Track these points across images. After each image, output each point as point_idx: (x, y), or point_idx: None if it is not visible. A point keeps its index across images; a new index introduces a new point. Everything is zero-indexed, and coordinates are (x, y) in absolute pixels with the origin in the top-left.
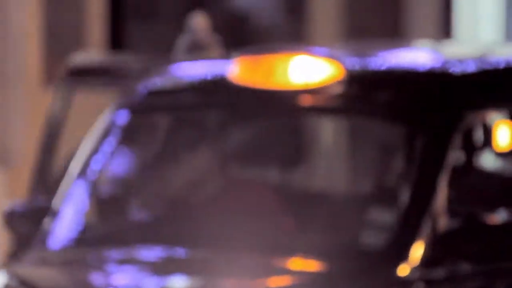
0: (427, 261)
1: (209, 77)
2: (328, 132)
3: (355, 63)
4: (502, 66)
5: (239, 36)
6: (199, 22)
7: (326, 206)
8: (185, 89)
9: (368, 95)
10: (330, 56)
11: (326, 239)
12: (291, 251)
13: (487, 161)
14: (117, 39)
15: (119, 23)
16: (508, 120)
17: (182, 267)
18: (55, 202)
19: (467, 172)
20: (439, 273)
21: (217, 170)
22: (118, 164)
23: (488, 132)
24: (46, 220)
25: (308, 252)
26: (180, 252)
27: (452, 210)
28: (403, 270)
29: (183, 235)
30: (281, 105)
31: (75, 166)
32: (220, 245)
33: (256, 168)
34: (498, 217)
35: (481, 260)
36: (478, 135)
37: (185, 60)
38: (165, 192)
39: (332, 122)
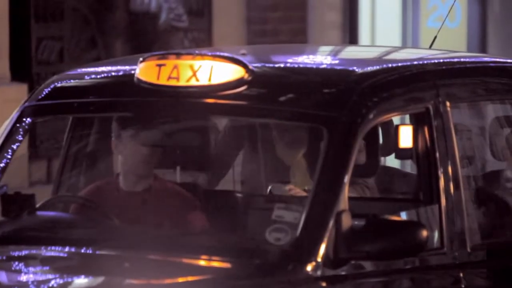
0: (331, 260)
1: (114, 79)
2: (234, 132)
3: (260, 65)
4: (402, 70)
5: (144, 37)
6: None
7: (233, 205)
8: (90, 90)
9: (273, 95)
10: (234, 58)
11: (232, 238)
12: (197, 250)
13: (389, 162)
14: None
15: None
16: (409, 124)
17: (87, 266)
18: None
19: (369, 174)
20: (342, 271)
21: (124, 171)
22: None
23: (389, 134)
24: None
25: (214, 250)
26: (86, 251)
27: (354, 209)
28: (307, 268)
29: (89, 235)
30: (186, 106)
31: None
32: (126, 244)
33: (164, 169)
34: (399, 216)
35: (382, 259)
36: (380, 137)
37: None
38: (73, 192)
39: (237, 122)
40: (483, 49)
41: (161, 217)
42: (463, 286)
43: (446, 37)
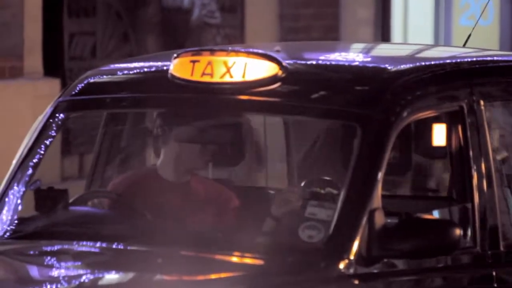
0: (364, 257)
1: (148, 74)
2: (267, 129)
3: (293, 62)
4: (435, 68)
5: (177, 33)
6: None
7: (266, 202)
8: (124, 85)
9: (306, 92)
10: (268, 54)
11: (265, 235)
12: (230, 247)
13: (423, 161)
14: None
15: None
16: (443, 122)
17: (118, 261)
18: None
19: (404, 171)
20: (375, 269)
21: (175, 163)
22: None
23: (423, 133)
24: None
25: (247, 247)
26: (117, 247)
27: (388, 206)
28: (340, 266)
29: (120, 230)
30: (220, 102)
31: (15, 161)
32: (158, 240)
33: (193, 165)
34: (432, 215)
35: (415, 257)
36: (415, 135)
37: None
38: (106, 187)
39: (271, 119)
40: None
41: (204, 209)
42: (495, 285)
43: (478, 35)
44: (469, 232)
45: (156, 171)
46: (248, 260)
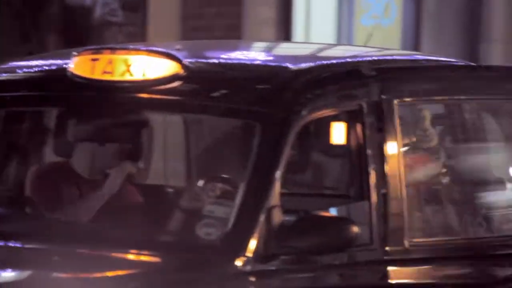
0: (261, 255)
1: (48, 73)
2: (167, 127)
3: (194, 60)
4: (336, 67)
5: (78, 32)
6: None
7: (164, 200)
8: (23, 83)
9: (207, 91)
10: (169, 53)
11: (163, 232)
12: (127, 244)
13: (322, 159)
14: None
15: None
16: (342, 121)
17: (14, 260)
18: None
19: (302, 169)
20: (272, 266)
21: (55, 164)
22: None
23: (322, 131)
24: None
25: (144, 245)
26: (14, 245)
27: (287, 204)
28: (237, 263)
29: (18, 228)
30: (121, 100)
31: None
32: (55, 238)
33: (97, 163)
34: (330, 212)
35: (312, 254)
36: (313, 134)
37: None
38: (3, 185)
39: (171, 117)
40: (416, 47)
41: (106, 206)
42: (392, 282)
43: (380, 35)
44: (366, 230)
45: (71, 165)
46: (145, 258)
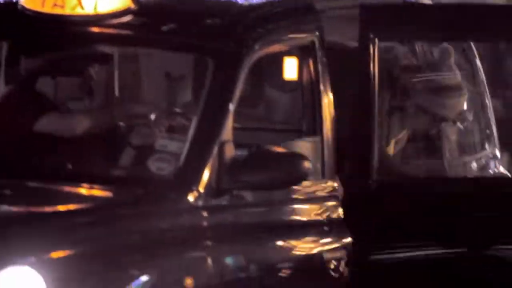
0: (214, 189)
1: None
2: (118, 62)
3: None
4: (289, 3)
5: None
6: None
7: (117, 135)
8: None
9: (159, 25)
10: None
11: (115, 167)
12: (80, 178)
13: (275, 94)
14: None
15: None
16: (294, 56)
17: None
18: None
19: (255, 104)
20: (224, 201)
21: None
22: None
23: (275, 66)
24: None
25: (96, 179)
26: None
27: (239, 139)
28: (189, 198)
29: None
30: (71, 34)
31: None
32: (6, 171)
33: (49, 96)
34: (282, 147)
35: (263, 189)
36: (266, 68)
37: None
38: None
39: (123, 51)
40: None
41: (61, 141)
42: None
43: None
44: (317, 165)
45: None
46: (96, 192)
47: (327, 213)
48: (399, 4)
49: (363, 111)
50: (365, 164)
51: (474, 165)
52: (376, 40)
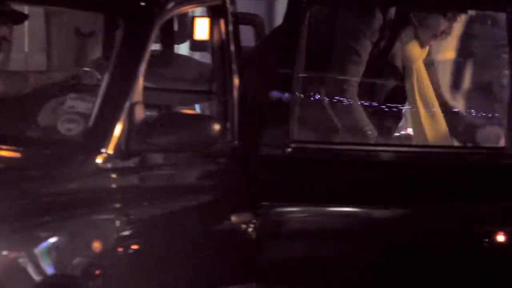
0: (123, 151)
1: None
2: (29, 20)
3: None
4: None
5: None
6: None
7: (25, 95)
8: None
9: None
10: None
11: (22, 127)
12: None
13: (186, 54)
14: None
15: None
16: (205, 16)
17: None
18: None
19: (165, 65)
20: (133, 163)
21: None
22: None
23: (186, 26)
24: None
25: (5, 140)
26: None
27: (150, 100)
28: (98, 160)
29: None
30: None
31: None
32: None
33: None
34: (192, 109)
35: (172, 151)
36: (177, 28)
37: None
38: None
39: (33, 9)
40: None
41: None
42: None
43: None
44: (227, 126)
45: None
46: (4, 153)
47: (236, 176)
48: None
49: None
50: (282, 128)
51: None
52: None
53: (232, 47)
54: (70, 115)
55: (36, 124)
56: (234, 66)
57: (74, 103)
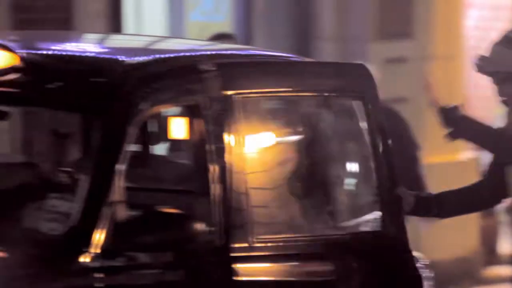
0: (107, 250)
1: None
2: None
3: (29, 51)
4: (173, 62)
5: None
6: None
7: (8, 194)
8: None
9: (45, 83)
10: (5, 44)
11: (5, 227)
12: None
13: (163, 152)
14: None
15: None
16: (183, 115)
17: None
18: None
19: (144, 163)
20: (118, 262)
21: None
22: None
23: (163, 125)
24: None
25: None
26: None
27: (130, 199)
28: (82, 259)
29: None
30: None
31: None
32: None
33: None
34: (173, 208)
35: (156, 251)
36: (154, 128)
37: None
38: None
39: (9, 110)
40: (249, 42)
41: None
42: (237, 279)
43: (211, 30)
44: (209, 226)
45: None
46: None
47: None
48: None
49: None
50: None
51: None
52: None
53: (211, 147)
54: (53, 214)
55: (20, 223)
56: (214, 166)
57: (56, 202)
